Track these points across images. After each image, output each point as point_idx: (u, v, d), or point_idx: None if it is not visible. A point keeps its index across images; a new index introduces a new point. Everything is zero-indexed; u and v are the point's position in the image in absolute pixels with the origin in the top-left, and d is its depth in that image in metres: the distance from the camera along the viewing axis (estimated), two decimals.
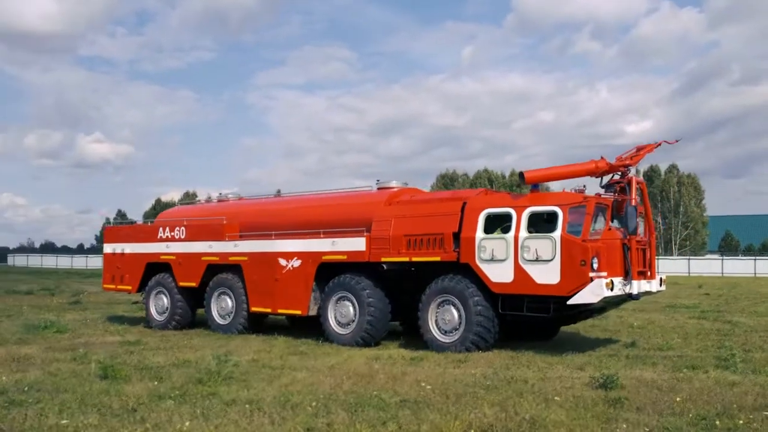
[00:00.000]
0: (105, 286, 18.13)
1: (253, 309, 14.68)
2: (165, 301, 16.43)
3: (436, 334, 12.23)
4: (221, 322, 15.34)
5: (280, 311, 14.29)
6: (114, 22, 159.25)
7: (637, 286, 11.45)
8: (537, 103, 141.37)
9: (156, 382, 9.01)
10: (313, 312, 13.88)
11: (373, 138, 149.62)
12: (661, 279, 12.79)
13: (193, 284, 15.78)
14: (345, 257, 13.33)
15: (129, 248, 17.26)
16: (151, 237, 16.76)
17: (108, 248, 17.82)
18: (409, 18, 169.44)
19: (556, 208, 11.25)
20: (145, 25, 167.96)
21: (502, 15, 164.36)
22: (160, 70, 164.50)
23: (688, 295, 30.19)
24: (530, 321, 11.94)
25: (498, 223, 11.74)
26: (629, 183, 11.81)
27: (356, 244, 13.19)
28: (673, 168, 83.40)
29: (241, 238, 15.22)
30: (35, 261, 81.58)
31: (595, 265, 10.87)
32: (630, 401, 8.03)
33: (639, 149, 12.20)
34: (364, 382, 9.11)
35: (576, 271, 10.87)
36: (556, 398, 8.09)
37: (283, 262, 14.23)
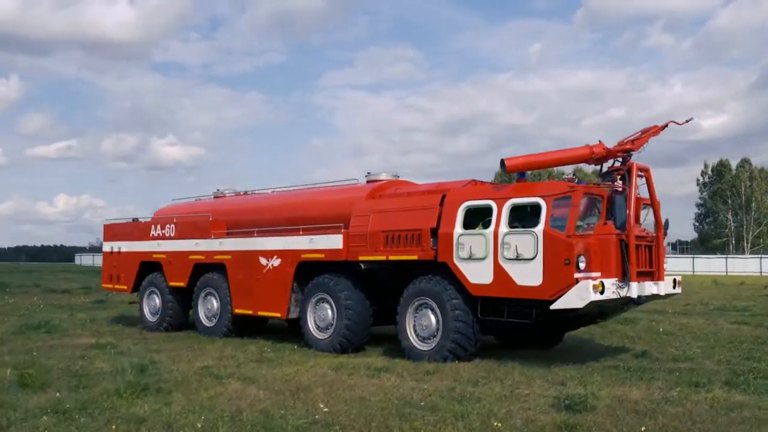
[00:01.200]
0: (104, 285, 17.69)
1: (236, 311, 13.81)
2: (157, 301, 15.79)
3: (413, 341, 11.03)
4: (207, 325, 14.55)
5: (260, 313, 13.35)
6: (187, 27, 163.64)
7: (637, 288, 9.92)
8: (607, 100, 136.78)
9: (70, 392, 8.19)
10: (293, 315, 12.88)
11: (440, 137, 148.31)
12: (675, 280, 11.17)
13: (182, 284, 15.04)
14: (323, 256, 12.27)
15: (125, 246, 16.72)
16: (144, 235, 16.15)
17: (106, 246, 17.36)
18: (475, 16, 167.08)
19: (539, 200, 9.87)
20: (217, 29, 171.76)
21: (572, 10, 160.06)
22: (231, 73, 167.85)
23: (748, 296, 27.77)
24: (518, 327, 10.57)
25: (480, 218, 10.43)
26: (629, 170, 10.29)
27: (333, 241, 12.11)
28: (744, 162, 78.65)
29: (229, 235, 14.37)
30: (101, 260, 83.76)
31: (582, 265, 9.44)
32: (588, 428, 6.67)
33: (644, 132, 10.64)
34: (294, 397, 8.04)
35: (559, 272, 9.47)
36: (497, 424, 6.79)
37: (263, 261, 13.30)
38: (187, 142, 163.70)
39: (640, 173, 10.56)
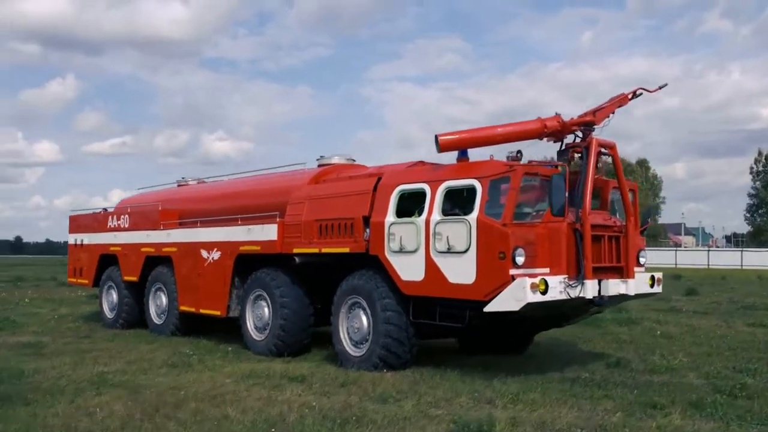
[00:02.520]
0: (69, 279, 16.88)
1: (181, 308, 12.67)
2: (114, 297, 14.81)
3: (346, 346, 9.65)
4: (157, 322, 13.50)
5: (202, 311, 12.17)
6: (236, 24, 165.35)
7: (594, 287, 8.31)
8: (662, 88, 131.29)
9: None
10: (234, 313, 11.66)
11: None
12: (653, 278, 9.50)
13: (134, 279, 14.00)
14: (258, 248, 11.01)
15: (87, 239, 15.80)
16: (103, 227, 15.17)
17: (71, 239, 16.47)
18: (524, 5, 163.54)
19: (475, 182, 8.36)
20: (265, 25, 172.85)
21: None
22: (279, 68, 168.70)
23: None
24: (451, 331, 9.08)
25: (417, 204, 8.98)
26: (588, 146, 8.68)
27: (268, 232, 10.83)
28: None
29: (181, 226, 13.22)
30: None
31: (520, 259, 7.90)
32: None
33: (611, 101, 9.01)
34: (155, 414, 6.81)
35: (493, 267, 7.97)
36: None
37: (204, 254, 12.12)
38: (237, 136, 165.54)
39: (604, 151, 8.94)
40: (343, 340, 9.67)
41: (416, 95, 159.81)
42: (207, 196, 13.55)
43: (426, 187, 8.85)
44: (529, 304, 7.64)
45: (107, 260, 15.08)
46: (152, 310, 13.61)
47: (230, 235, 11.58)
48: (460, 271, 8.23)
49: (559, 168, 8.53)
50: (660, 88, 9.31)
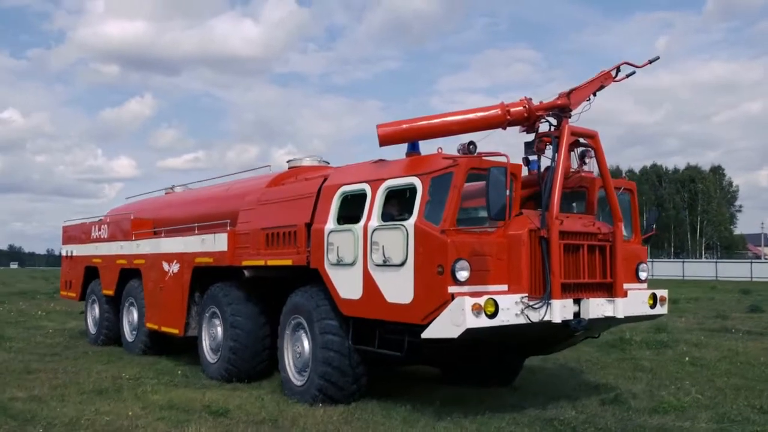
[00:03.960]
0: (61, 293, 16.24)
1: (147, 324, 11.66)
2: (97, 311, 13.99)
3: (291, 374, 8.35)
4: (129, 339, 12.56)
5: (163, 329, 11.11)
6: (306, 39, 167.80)
7: (563, 309, 6.71)
8: (742, 93, 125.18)
9: None
10: (193, 332, 10.53)
11: None
12: (655, 296, 7.80)
13: (111, 292, 13.12)
14: (211, 260, 9.86)
15: (76, 250, 15.09)
16: (87, 238, 14.40)
17: (64, 250, 15.83)
18: (596, 11, 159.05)
19: (415, 180, 6.94)
20: (335, 39, 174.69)
21: (701, 0, 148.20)
22: (348, 81, 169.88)
23: None
24: (390, 360, 7.59)
25: (362, 209, 7.62)
26: (558, 135, 7.11)
27: (220, 242, 9.66)
28: None
29: (148, 236, 12.25)
30: None
31: (463, 273, 6.41)
32: None
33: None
34: None
35: (431, 284, 6.51)
36: None
37: (165, 266, 11.07)
38: (307, 150, 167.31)
39: (581, 142, 7.37)
40: (288, 367, 8.39)
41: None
42: (177, 203, 12.54)
43: (367, 187, 7.49)
44: (470, 331, 6.14)
45: (91, 273, 14.30)
46: (125, 327, 12.71)
47: (187, 245, 10.49)
48: (398, 288, 6.82)
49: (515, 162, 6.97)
50: (650, 62, 7.63)
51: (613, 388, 9.00)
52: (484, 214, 6.96)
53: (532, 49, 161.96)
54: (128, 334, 12.59)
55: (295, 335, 8.27)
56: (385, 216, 7.25)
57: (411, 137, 7.28)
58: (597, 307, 7.10)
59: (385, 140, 7.15)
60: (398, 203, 7.27)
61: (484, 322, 6.18)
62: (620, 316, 7.21)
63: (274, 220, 8.76)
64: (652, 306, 7.77)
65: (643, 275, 8.03)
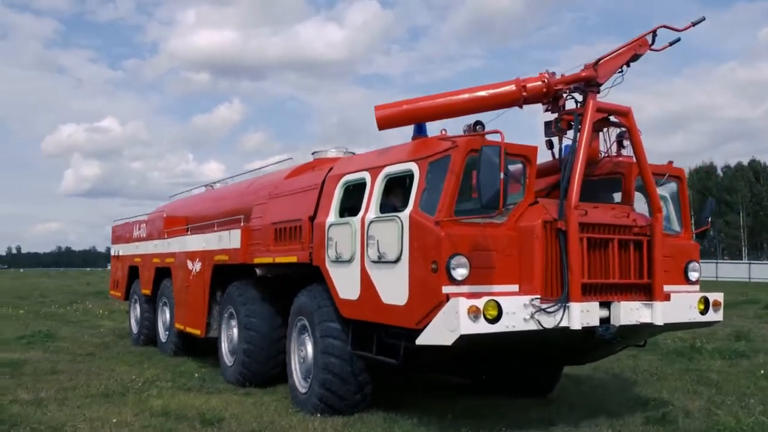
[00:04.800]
0: (110, 292, 16.27)
1: (176, 325, 11.34)
2: (138, 311, 13.85)
3: (296, 380, 7.71)
4: (162, 340, 12.31)
5: (188, 329, 10.73)
6: (389, 40, 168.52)
7: (584, 314, 5.74)
8: None
9: None
10: (214, 333, 10.08)
11: (650, 136, 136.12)
12: (706, 301, 6.68)
13: (148, 292, 12.91)
14: (227, 258, 9.37)
15: (122, 250, 15.05)
16: (130, 237, 14.32)
17: (113, 250, 15.85)
18: (691, 2, 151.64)
19: (412, 166, 6.15)
20: (418, 39, 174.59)
21: None
22: (432, 80, 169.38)
23: None
24: (387, 368, 6.78)
25: (361, 200, 6.89)
26: (582, 114, 6.14)
27: (234, 239, 9.16)
28: None
29: (178, 234, 11.94)
30: None
31: (461, 271, 5.56)
32: None
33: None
34: None
35: (425, 283, 5.70)
36: None
37: (190, 264, 10.69)
38: None
39: (612, 120, 6.37)
40: (294, 373, 7.75)
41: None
42: (208, 200, 12.16)
43: (367, 176, 6.75)
44: (465, 338, 5.28)
45: (134, 272, 14.18)
46: (160, 327, 12.47)
47: (208, 243, 10.06)
48: (393, 287, 6.05)
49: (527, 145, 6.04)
50: (693, 24, 6.51)
51: (665, 404, 7.88)
52: None
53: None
54: (162, 334, 12.33)
55: (300, 338, 7.64)
56: (387, 207, 6.49)
57: (413, 119, 6.47)
58: (630, 312, 6.09)
59: (384, 123, 6.38)
60: (402, 193, 6.48)
61: (483, 327, 5.31)
62: (659, 322, 6.16)
63: (282, 214, 8.17)
64: (703, 312, 6.65)
65: (693, 276, 6.93)
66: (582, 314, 5.76)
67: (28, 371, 10.08)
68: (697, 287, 6.98)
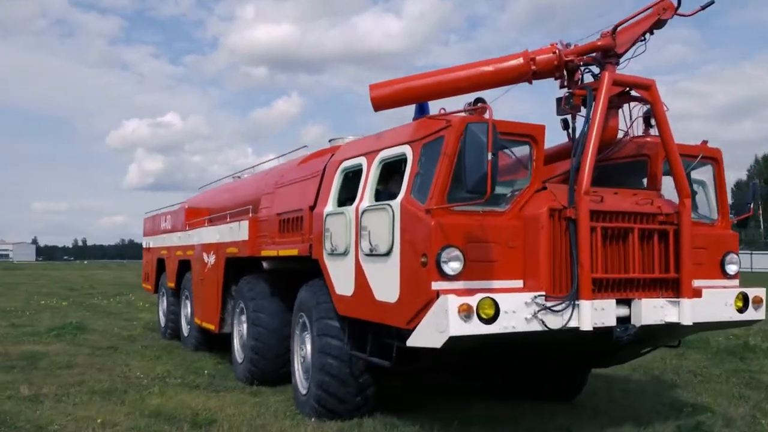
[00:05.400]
0: (143, 284, 16.18)
1: (195, 320, 11.07)
2: (165, 304, 13.69)
3: (298, 380, 7.27)
4: (185, 334, 12.07)
5: (203, 324, 10.43)
6: (447, 31, 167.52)
7: (597, 312, 5.10)
8: None
9: None
10: (228, 329, 9.74)
11: (718, 123, 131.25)
12: (745, 297, 5.92)
13: (172, 285, 12.71)
14: (236, 250, 9.00)
15: (152, 242, 14.93)
16: (159, 229, 14.16)
17: (144, 242, 15.76)
18: None
19: (406, 149, 5.59)
20: (476, 29, 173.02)
21: None
22: None
23: None
24: (381, 369, 6.26)
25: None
26: (596, 88, 5.47)
27: (243, 230, 8.77)
28: None
29: (197, 226, 11.64)
30: None
31: (453, 265, 4.97)
32: None
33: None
34: None
35: (415, 278, 5.15)
36: None
37: (205, 257, 10.38)
38: None
39: (635, 95, 5.67)
40: (296, 372, 7.31)
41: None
42: (229, 189, 11.82)
43: (363, 161, 6.22)
44: (456, 340, 4.71)
45: (162, 265, 14.01)
46: (183, 321, 12.23)
47: (221, 235, 9.71)
48: (385, 283, 5.51)
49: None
50: None
51: (703, 411, 7.15)
52: (499, 190, 5.49)
53: (688, 28, 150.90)
54: (184, 328, 12.10)
55: (302, 336, 7.19)
56: (384, 195, 5.96)
57: (412, 98, 5.89)
58: (653, 311, 5.41)
59: (380, 103, 5.81)
60: (399, 180, 5.93)
61: (476, 328, 4.73)
62: (686, 322, 5.45)
63: (286, 204, 7.73)
64: (741, 309, 5.89)
65: (731, 269, 6.17)
66: (594, 313, 5.12)
67: (44, 365, 9.95)
68: (736, 282, 6.22)
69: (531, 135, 5.40)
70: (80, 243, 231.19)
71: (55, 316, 17.15)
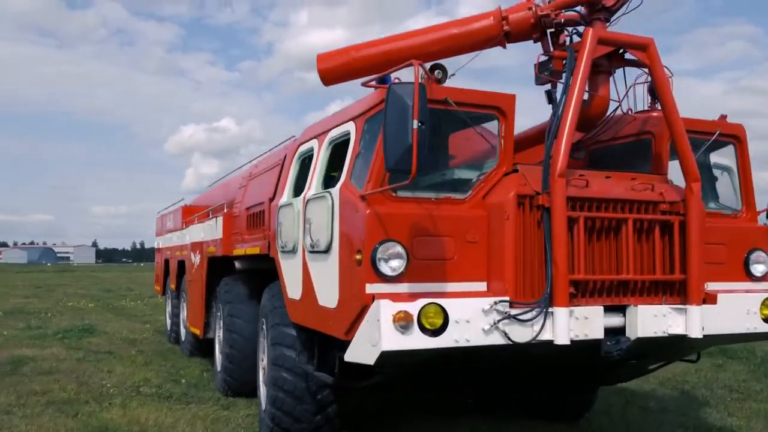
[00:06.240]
0: (155, 286, 15.71)
1: (187, 323, 10.43)
2: (169, 307, 13.15)
3: (260, 394, 6.47)
4: (182, 338, 11.45)
5: (191, 329, 9.77)
6: None
7: (569, 322, 4.13)
8: None
9: None
10: (213, 334, 9.04)
11: None
12: None
13: (173, 287, 12.14)
14: (214, 249, 8.28)
15: (161, 242, 14.42)
16: (165, 228, 13.63)
17: (156, 242, 15.27)
18: None
19: (350, 126, 4.73)
20: None
21: None
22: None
23: None
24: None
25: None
26: (578, 47, 4.50)
27: (218, 228, 8.05)
28: None
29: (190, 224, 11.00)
30: None
31: (392, 263, 4.07)
32: None
33: None
34: None
35: (351, 279, 4.28)
36: None
37: (193, 257, 9.72)
38: None
39: (631, 57, 4.69)
40: (260, 385, 6.51)
41: (697, 89, 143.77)
42: (223, 185, 11.12)
43: (315, 144, 5.39)
44: (390, 356, 3.82)
45: (168, 266, 13.46)
46: (181, 324, 11.60)
47: (204, 233, 9.02)
48: (326, 285, 4.66)
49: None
50: None
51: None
52: (460, 174, 4.59)
53: (750, 24, 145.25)
54: (182, 332, 11.48)
55: (264, 344, 6.37)
56: (334, 183, 5.10)
57: (366, 70, 5.03)
58: (653, 321, 4.42)
59: (329, 76, 5.01)
60: (337, 162, 5.06)
61: (418, 341, 3.83)
62: (696, 335, 4.42)
63: (254, 197, 6.97)
64: None
65: (758, 270, 5.11)
66: (575, 323, 4.16)
67: (26, 370, 9.45)
68: (765, 285, 5.14)
69: (498, 107, 4.46)
70: (138, 246, 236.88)
71: (73, 318, 16.90)
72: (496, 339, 3.99)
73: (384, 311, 3.78)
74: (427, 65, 4.47)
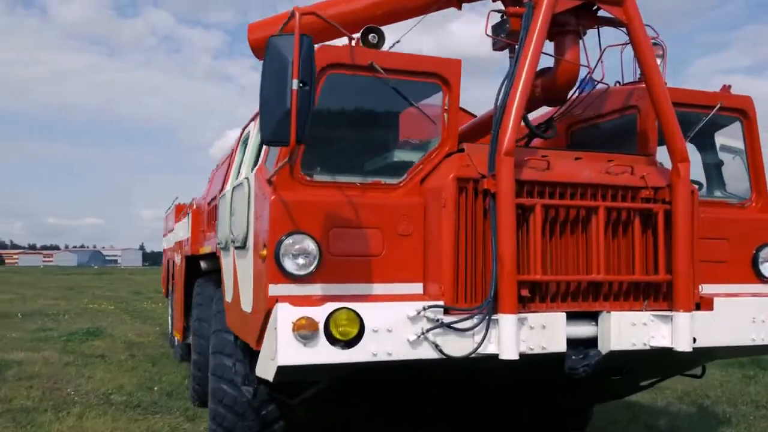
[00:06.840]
0: (162, 288, 15.32)
1: (174, 327, 9.95)
2: (170, 310, 12.70)
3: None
4: (175, 342, 10.95)
5: (175, 333, 9.27)
6: None
7: (518, 332, 3.39)
8: None
9: None
10: (190, 338, 8.50)
11: None
12: None
13: (170, 289, 11.68)
14: (188, 248, 7.74)
15: (165, 242, 14.02)
16: (166, 228, 13.23)
17: (162, 243, 14.89)
18: None
19: None
20: None
21: None
22: None
23: None
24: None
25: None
26: (536, 4, 3.74)
27: (189, 225, 7.50)
28: None
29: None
30: None
31: (297, 261, 3.39)
32: None
33: None
34: None
35: (258, 280, 3.62)
36: None
37: (176, 257, 9.22)
38: None
39: (606, 15, 3.93)
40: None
41: (747, 87, 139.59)
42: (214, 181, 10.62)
43: (252, 125, 4.76)
44: (290, 372, 3.15)
45: (168, 267, 13.05)
46: (170, 328, 11.15)
47: (183, 232, 8.50)
48: (246, 285, 4.01)
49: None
50: None
51: None
52: (399, 156, 3.89)
53: None
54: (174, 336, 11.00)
55: None
56: None
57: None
58: (630, 330, 3.64)
59: (261, 48, 4.33)
60: None
61: (324, 355, 3.15)
62: (683, 348, 3.63)
63: (214, 189, 6.37)
64: None
65: None
66: (528, 333, 3.42)
67: (8, 375, 9.06)
68: None
69: (440, 74, 3.74)
70: None
71: (87, 321, 16.70)
72: (425, 352, 3.28)
73: (282, 317, 3.12)
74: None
